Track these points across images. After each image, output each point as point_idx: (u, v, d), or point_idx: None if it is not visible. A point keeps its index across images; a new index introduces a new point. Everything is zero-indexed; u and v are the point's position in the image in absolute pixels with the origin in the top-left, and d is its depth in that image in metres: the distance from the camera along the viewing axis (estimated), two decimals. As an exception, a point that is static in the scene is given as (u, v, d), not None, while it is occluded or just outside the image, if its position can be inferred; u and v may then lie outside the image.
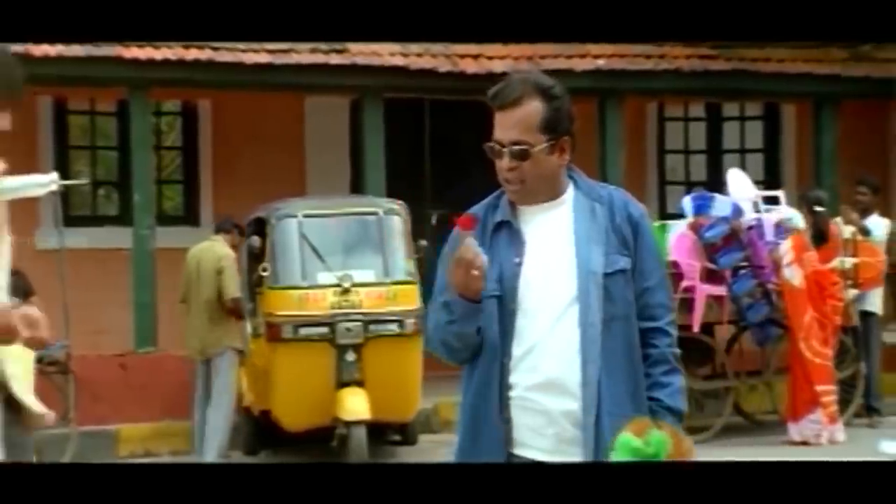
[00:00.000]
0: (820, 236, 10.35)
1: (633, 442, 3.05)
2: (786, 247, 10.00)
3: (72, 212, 12.12)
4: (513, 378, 3.35)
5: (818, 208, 10.48)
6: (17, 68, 3.60)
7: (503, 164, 3.37)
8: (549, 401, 3.33)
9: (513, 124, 3.35)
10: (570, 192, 3.44)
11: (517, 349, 3.34)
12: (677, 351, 3.48)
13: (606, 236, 3.37)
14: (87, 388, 10.20)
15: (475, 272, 3.23)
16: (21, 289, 8.88)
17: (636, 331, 3.40)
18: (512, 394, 3.35)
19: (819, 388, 9.91)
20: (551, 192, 3.43)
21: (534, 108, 3.34)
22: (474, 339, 3.36)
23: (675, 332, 3.48)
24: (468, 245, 3.24)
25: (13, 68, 3.58)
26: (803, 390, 9.95)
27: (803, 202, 10.72)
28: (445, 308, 3.36)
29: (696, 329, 10.05)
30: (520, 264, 3.36)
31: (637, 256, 3.41)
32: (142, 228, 11.04)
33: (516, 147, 3.34)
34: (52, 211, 10.44)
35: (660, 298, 3.45)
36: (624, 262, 3.37)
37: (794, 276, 9.90)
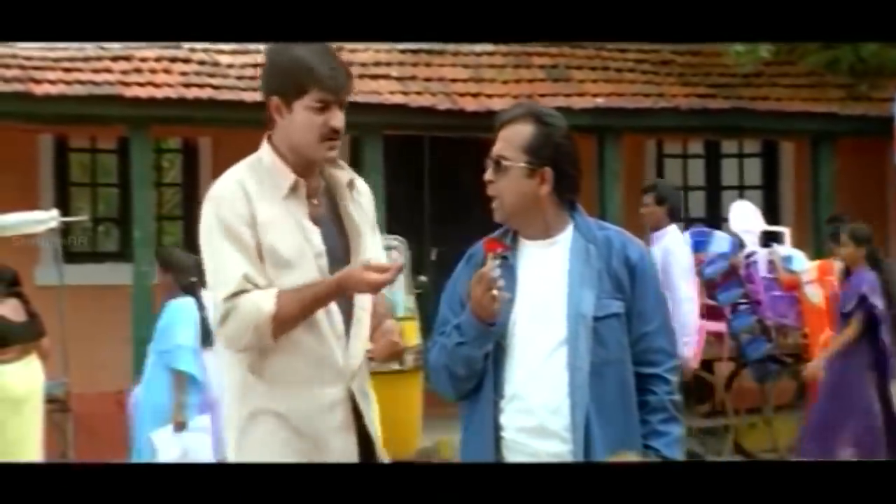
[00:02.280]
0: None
1: None
2: (809, 266, 10.00)
3: (72, 248, 12.16)
4: (503, 419, 3.35)
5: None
6: None
7: (486, 176, 3.43)
8: (539, 444, 3.31)
9: (500, 140, 3.42)
10: (568, 232, 3.43)
11: (507, 388, 3.34)
12: (677, 398, 3.42)
13: (600, 279, 3.34)
14: (86, 425, 10.19)
15: (494, 293, 3.23)
16: (36, 331, 8.90)
17: (631, 375, 3.36)
18: (504, 434, 3.34)
19: None
20: (543, 227, 3.42)
21: (522, 128, 3.40)
22: (480, 366, 3.36)
23: (675, 378, 3.43)
24: (491, 265, 3.25)
25: None
26: None
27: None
28: (457, 330, 3.35)
29: (695, 366, 10.05)
30: (511, 300, 3.35)
31: (635, 299, 3.37)
32: (142, 265, 11.04)
33: (496, 158, 3.39)
34: (51, 247, 10.48)
35: (660, 343, 3.41)
36: (617, 307, 3.34)
37: (814, 294, 9.89)
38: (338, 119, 3.50)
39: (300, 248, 3.50)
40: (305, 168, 3.56)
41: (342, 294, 3.49)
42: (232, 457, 3.64)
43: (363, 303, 3.59)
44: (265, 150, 3.62)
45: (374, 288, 3.45)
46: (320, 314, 3.50)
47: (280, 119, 3.55)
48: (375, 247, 3.70)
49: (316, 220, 3.56)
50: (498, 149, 3.41)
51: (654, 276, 3.48)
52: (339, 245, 3.60)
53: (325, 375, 3.52)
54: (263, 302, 3.45)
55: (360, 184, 3.73)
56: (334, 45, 3.61)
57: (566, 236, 3.43)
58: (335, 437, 3.54)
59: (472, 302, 3.26)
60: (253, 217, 3.50)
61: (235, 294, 3.47)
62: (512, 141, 3.39)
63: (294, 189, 3.54)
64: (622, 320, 3.36)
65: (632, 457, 3.16)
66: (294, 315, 3.47)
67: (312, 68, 3.45)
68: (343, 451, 3.55)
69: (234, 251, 3.49)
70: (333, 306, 3.52)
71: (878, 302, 8.63)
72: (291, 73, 3.48)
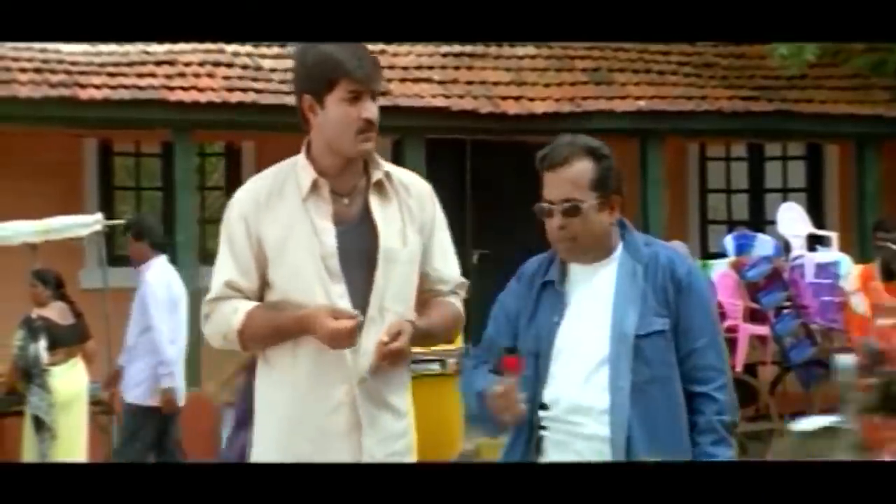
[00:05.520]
0: (889, 272, 10.20)
1: None
2: (853, 275, 9.91)
3: (116, 251, 12.24)
4: (548, 435, 3.35)
5: (880, 242, 10.33)
6: None
7: (554, 222, 3.38)
8: (581, 445, 3.32)
9: (563, 182, 3.38)
10: (618, 251, 3.44)
11: (551, 407, 3.36)
12: (727, 419, 3.40)
13: (644, 298, 3.34)
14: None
15: (516, 410, 3.26)
16: (81, 334, 8.99)
17: (680, 393, 3.35)
18: (547, 450, 3.35)
19: (878, 421, 9.72)
20: (601, 251, 3.43)
21: (583, 166, 3.39)
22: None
23: (725, 397, 3.41)
24: (511, 387, 3.26)
25: None
26: (871, 429, 9.76)
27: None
28: (477, 400, 3.39)
29: (739, 369, 9.99)
30: (557, 323, 3.38)
31: (682, 316, 3.36)
32: (185, 268, 11.10)
33: (567, 204, 3.36)
34: (96, 251, 10.55)
35: (709, 360, 3.39)
36: (661, 324, 3.33)
37: (859, 303, 9.80)
38: (371, 110, 3.47)
39: (309, 249, 3.46)
40: (342, 165, 3.52)
41: (304, 332, 3.41)
42: (251, 449, 3.63)
43: (383, 301, 3.48)
44: (302, 152, 3.62)
45: (332, 336, 3.34)
46: (328, 310, 3.41)
47: (314, 118, 3.54)
48: (429, 250, 3.63)
49: (339, 220, 3.50)
50: (563, 192, 3.38)
51: (701, 292, 3.45)
52: (369, 246, 3.51)
53: (330, 374, 3.45)
54: (233, 316, 3.47)
55: (413, 182, 3.66)
56: (378, 46, 3.61)
57: (616, 256, 3.44)
58: (338, 440, 3.46)
59: (491, 408, 3.30)
60: (258, 221, 3.49)
61: (215, 299, 3.53)
62: (578, 183, 3.38)
63: (315, 188, 3.51)
64: (668, 338, 3.35)
65: None
66: (261, 335, 3.48)
67: (340, 60, 3.44)
68: (346, 456, 3.45)
69: (227, 255, 3.53)
70: (344, 303, 3.43)
71: None
72: (319, 69, 3.47)
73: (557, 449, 3.35)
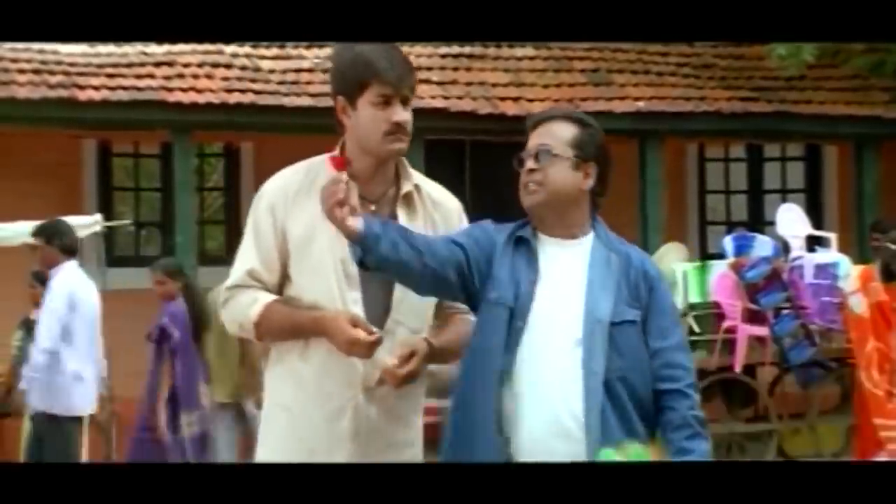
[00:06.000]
0: (889, 273, 10.18)
1: (613, 456, 3.12)
2: (852, 275, 9.90)
3: (115, 252, 12.24)
4: (520, 410, 3.27)
5: (892, 245, 10.32)
6: None
7: (526, 167, 3.41)
8: (557, 444, 3.25)
9: (542, 135, 3.43)
10: (589, 237, 3.43)
11: (522, 373, 3.28)
12: (700, 414, 3.35)
13: (618, 287, 3.33)
14: (129, 428, 10.24)
15: (343, 209, 3.16)
16: None
17: (647, 387, 3.32)
18: (521, 428, 3.28)
19: (877, 421, 9.71)
20: (570, 225, 3.41)
21: (566, 126, 3.44)
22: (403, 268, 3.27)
23: (696, 395, 3.38)
24: (335, 181, 3.18)
25: None
26: (869, 429, 9.74)
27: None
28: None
29: (738, 370, 9.99)
30: (534, 283, 3.33)
31: (652, 314, 3.35)
32: (184, 269, 11.11)
33: (542, 148, 3.39)
34: (95, 252, 10.55)
35: (679, 359, 3.37)
36: (633, 315, 3.32)
37: (858, 304, 9.78)
38: (400, 114, 3.46)
39: (330, 251, 3.45)
40: (374, 170, 3.50)
41: (321, 334, 3.39)
42: (257, 446, 3.61)
43: (399, 315, 3.47)
44: (335, 152, 3.60)
45: (350, 345, 3.31)
46: (348, 317, 3.39)
47: (347, 119, 3.52)
48: None
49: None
50: (542, 140, 3.41)
51: (669, 295, 3.49)
52: None
53: (337, 377, 3.43)
54: (251, 307, 3.47)
55: (443, 199, 3.66)
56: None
57: (587, 240, 3.43)
58: (339, 444, 3.44)
59: (332, 222, 3.19)
60: (286, 215, 3.48)
61: (235, 286, 3.52)
62: (557, 136, 3.41)
63: None
64: (638, 330, 3.33)
65: (637, 449, 3.16)
66: (277, 329, 3.47)
67: (371, 62, 3.42)
68: (346, 461, 3.41)
69: (251, 245, 3.52)
70: (357, 309, 3.42)
71: None
72: (352, 70, 3.46)
73: (534, 417, 3.28)
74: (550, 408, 3.26)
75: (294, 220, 3.49)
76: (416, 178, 3.61)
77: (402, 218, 3.53)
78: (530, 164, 3.41)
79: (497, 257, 3.39)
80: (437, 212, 3.62)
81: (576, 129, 3.42)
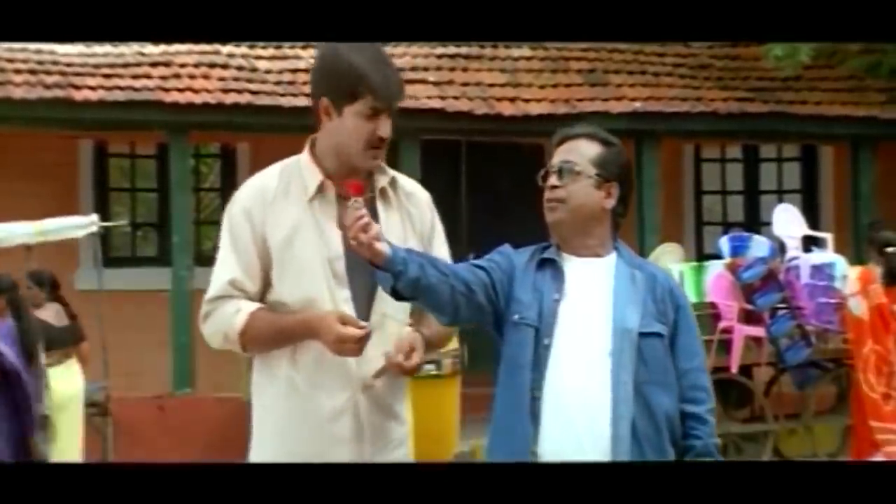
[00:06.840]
0: (892, 276, 10.19)
1: None
2: (852, 277, 9.91)
3: (111, 253, 12.24)
4: (544, 428, 3.30)
5: (889, 249, 10.33)
6: None
7: (548, 183, 3.41)
8: (582, 455, 3.29)
9: (566, 151, 3.43)
10: (612, 256, 3.44)
11: (548, 390, 3.30)
12: (718, 442, 3.42)
13: (644, 302, 3.35)
14: (125, 429, 10.26)
15: (367, 235, 3.13)
16: (76, 335, 8.98)
17: (674, 402, 3.35)
18: (543, 445, 3.31)
19: (873, 424, 9.71)
20: (593, 244, 3.43)
21: (590, 144, 3.44)
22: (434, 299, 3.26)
23: (713, 419, 3.42)
24: (355, 207, 3.15)
25: None
26: (865, 430, 9.74)
27: (872, 243, 10.57)
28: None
29: (734, 370, 9.99)
30: (558, 301, 3.34)
31: (679, 333, 3.38)
32: (180, 269, 11.12)
33: (566, 164, 3.39)
34: (91, 252, 10.56)
35: (702, 381, 3.40)
36: (660, 328, 3.34)
37: (857, 306, 9.79)
38: (385, 128, 3.45)
39: (315, 251, 3.44)
40: (346, 173, 3.48)
41: (310, 336, 3.37)
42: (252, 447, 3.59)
43: (385, 308, 3.46)
44: (305, 150, 3.59)
45: (341, 342, 3.29)
46: (336, 315, 3.38)
47: (328, 121, 3.49)
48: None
49: (344, 224, 3.43)
50: (566, 157, 3.41)
51: (693, 317, 3.50)
52: None
53: (331, 381, 3.42)
54: (236, 317, 3.42)
55: (414, 190, 3.64)
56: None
57: (611, 259, 3.44)
58: (338, 448, 3.42)
59: (357, 250, 3.17)
60: (264, 219, 3.46)
61: (217, 298, 3.47)
62: (581, 153, 3.41)
63: (321, 190, 3.49)
64: (665, 345, 3.36)
65: None
66: (263, 337, 3.44)
67: (366, 75, 3.40)
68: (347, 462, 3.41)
69: (230, 252, 3.48)
70: (349, 308, 3.41)
71: None
72: (345, 78, 3.43)
73: (557, 434, 3.30)
74: (577, 423, 3.28)
75: (274, 224, 3.46)
76: (391, 173, 3.61)
77: (381, 212, 3.51)
78: (553, 180, 3.41)
79: (518, 278, 3.40)
80: (410, 203, 3.61)
81: (600, 148, 3.43)
